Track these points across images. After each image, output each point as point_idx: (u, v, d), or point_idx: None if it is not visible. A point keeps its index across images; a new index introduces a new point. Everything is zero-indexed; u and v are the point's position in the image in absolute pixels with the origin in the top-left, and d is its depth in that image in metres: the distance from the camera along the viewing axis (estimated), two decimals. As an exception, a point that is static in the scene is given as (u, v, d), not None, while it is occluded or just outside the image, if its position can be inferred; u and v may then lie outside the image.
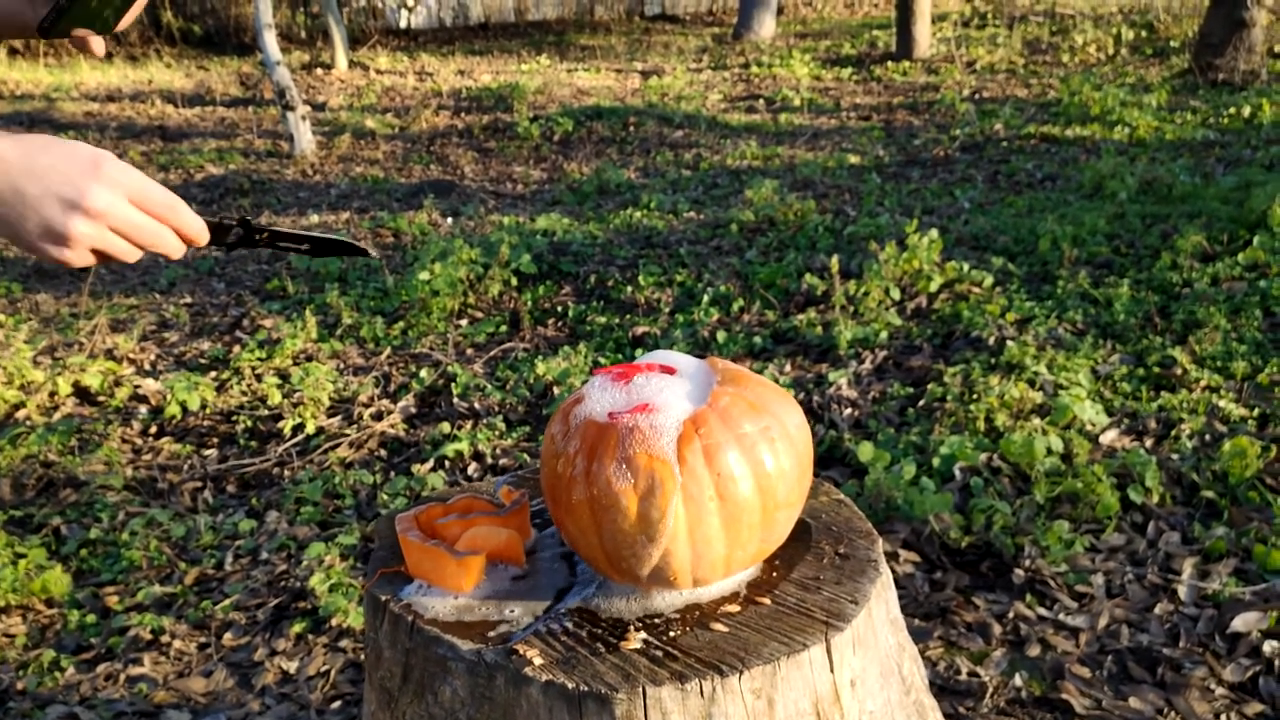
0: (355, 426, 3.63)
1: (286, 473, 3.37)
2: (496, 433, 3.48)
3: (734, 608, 1.14)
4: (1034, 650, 2.31)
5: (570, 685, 1.01)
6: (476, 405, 3.72)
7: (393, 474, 3.30)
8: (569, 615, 1.14)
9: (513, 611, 1.15)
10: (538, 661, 1.04)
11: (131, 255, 1.02)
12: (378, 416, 3.71)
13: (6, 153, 0.94)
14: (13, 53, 13.07)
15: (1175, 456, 2.95)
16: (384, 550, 1.29)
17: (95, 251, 1.01)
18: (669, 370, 1.21)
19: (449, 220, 6.33)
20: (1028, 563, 2.56)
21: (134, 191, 0.99)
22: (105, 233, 0.99)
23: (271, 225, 1.12)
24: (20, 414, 3.80)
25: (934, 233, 4.37)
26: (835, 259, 4.28)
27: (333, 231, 1.11)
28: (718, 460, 1.08)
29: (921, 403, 3.37)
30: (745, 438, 1.11)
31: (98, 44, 1.13)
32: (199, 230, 1.06)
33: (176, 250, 1.06)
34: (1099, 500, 2.73)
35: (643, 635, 1.09)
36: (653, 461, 1.08)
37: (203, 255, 5.97)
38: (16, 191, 0.94)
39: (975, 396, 3.27)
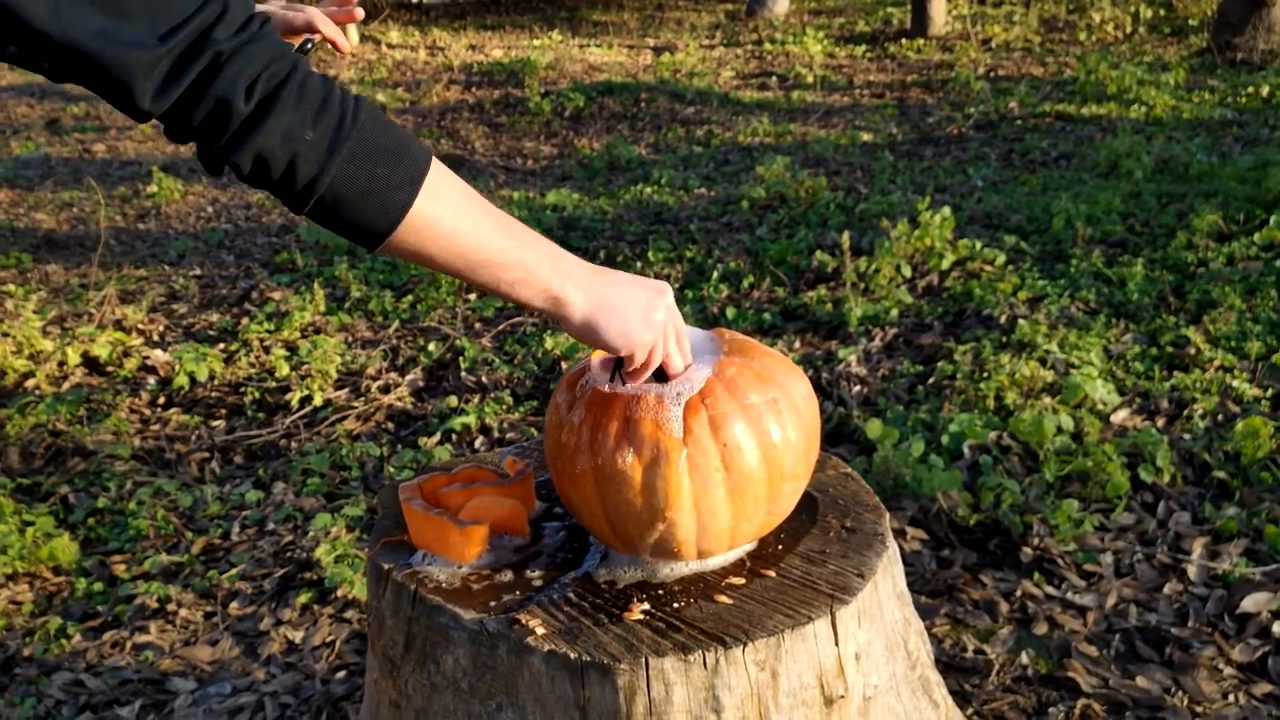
0: (363, 399, 3.62)
1: (294, 444, 3.37)
2: (504, 407, 3.47)
3: (739, 580, 1.13)
4: (1041, 628, 2.30)
5: (573, 655, 1.00)
6: (484, 379, 3.71)
7: (400, 447, 3.30)
8: (572, 586, 1.13)
9: (515, 581, 1.14)
10: (540, 631, 1.04)
11: (659, 356, 1.15)
12: (385, 389, 3.71)
13: (596, 277, 1.10)
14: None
15: (1187, 436, 2.93)
16: (387, 519, 1.28)
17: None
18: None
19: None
20: (1036, 541, 2.55)
21: (673, 317, 1.15)
22: (647, 349, 1.13)
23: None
24: (29, 383, 3.81)
25: (946, 210, 4.33)
26: (846, 236, 4.25)
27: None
28: (724, 431, 1.07)
29: (931, 380, 3.35)
30: (752, 408, 1.09)
31: None
32: (688, 359, 1.18)
33: (678, 366, 1.17)
34: (1109, 479, 2.71)
35: (646, 606, 1.08)
36: (658, 431, 1.06)
37: (213, 227, 5.97)
38: (615, 283, 1.11)
39: (986, 375, 3.25)
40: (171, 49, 0.85)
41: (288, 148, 0.90)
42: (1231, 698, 2.07)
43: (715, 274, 4.45)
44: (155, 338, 4.32)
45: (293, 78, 0.91)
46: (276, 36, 0.93)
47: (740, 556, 1.17)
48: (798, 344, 3.79)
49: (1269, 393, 3.12)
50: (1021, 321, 3.59)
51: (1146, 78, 7.90)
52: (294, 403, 3.57)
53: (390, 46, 12.24)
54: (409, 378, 3.78)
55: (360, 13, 1.31)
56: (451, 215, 0.99)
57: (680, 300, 4.26)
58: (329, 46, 1.30)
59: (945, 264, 4.24)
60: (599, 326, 1.09)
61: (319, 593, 2.59)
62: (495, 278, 1.03)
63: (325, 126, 0.92)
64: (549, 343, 3.81)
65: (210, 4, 0.87)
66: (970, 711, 2.07)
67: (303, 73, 0.92)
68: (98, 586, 2.68)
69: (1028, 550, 2.54)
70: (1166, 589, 2.40)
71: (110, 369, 3.98)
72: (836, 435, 3.15)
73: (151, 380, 3.90)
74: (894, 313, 3.89)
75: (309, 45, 1.23)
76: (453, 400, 3.51)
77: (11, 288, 4.79)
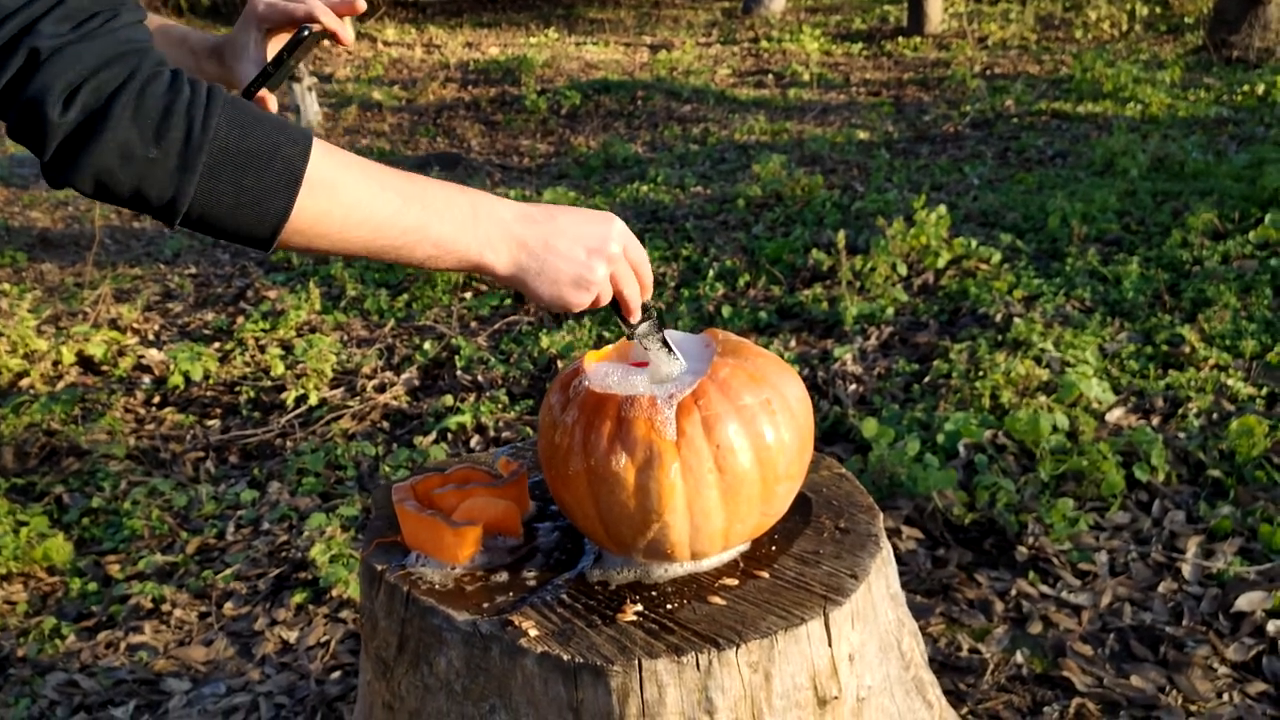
0: (358, 398, 3.62)
1: (289, 444, 3.37)
2: (499, 406, 3.47)
3: (732, 581, 1.13)
4: (1036, 628, 2.30)
5: (566, 657, 1.00)
6: (480, 378, 3.71)
7: (395, 446, 3.29)
8: (565, 587, 1.13)
9: (509, 582, 1.14)
10: (533, 633, 1.03)
11: (608, 297, 1.14)
12: (381, 388, 3.70)
13: (533, 213, 1.07)
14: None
15: (1182, 435, 2.93)
16: (381, 520, 1.28)
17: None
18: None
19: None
20: (1031, 540, 2.55)
21: (629, 244, 1.14)
22: (609, 279, 1.12)
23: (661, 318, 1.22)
24: (24, 383, 3.80)
25: (942, 209, 4.33)
26: (842, 234, 4.25)
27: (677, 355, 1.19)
28: (717, 432, 1.07)
29: (927, 379, 3.35)
30: (745, 409, 1.09)
31: (272, 101, 1.24)
32: (649, 284, 1.19)
33: (637, 303, 1.17)
34: (1104, 478, 2.71)
35: (639, 608, 1.08)
36: (651, 433, 1.06)
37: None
38: (548, 245, 1.07)
39: (981, 373, 3.25)
40: None
41: (130, 169, 0.82)
42: (1226, 697, 2.08)
43: (711, 272, 4.45)
44: (150, 337, 4.32)
45: (128, 86, 0.81)
46: (124, 36, 0.83)
47: (734, 558, 1.17)
48: (793, 342, 3.79)
49: (1264, 391, 3.13)
50: (1017, 320, 3.59)
51: (1142, 76, 7.90)
52: (289, 402, 3.57)
53: (386, 44, 12.23)
54: (404, 377, 3.77)
55: (363, 4, 1.30)
56: (341, 209, 0.93)
57: (676, 299, 4.26)
58: (329, 39, 1.28)
59: (941, 262, 4.24)
60: (528, 289, 1.08)
61: (314, 593, 2.59)
62: (402, 258, 1.00)
63: (171, 141, 0.82)
64: (544, 342, 3.81)
65: None
66: (965, 711, 2.07)
67: (142, 79, 0.82)
68: (92, 586, 2.68)
69: (1023, 549, 2.54)
70: (1161, 588, 2.40)
71: (105, 368, 3.97)
72: (832, 434, 3.14)
73: (146, 379, 3.89)
74: (889, 311, 3.89)
75: (305, 33, 1.22)
76: (448, 399, 3.51)
77: (6, 287, 4.78)
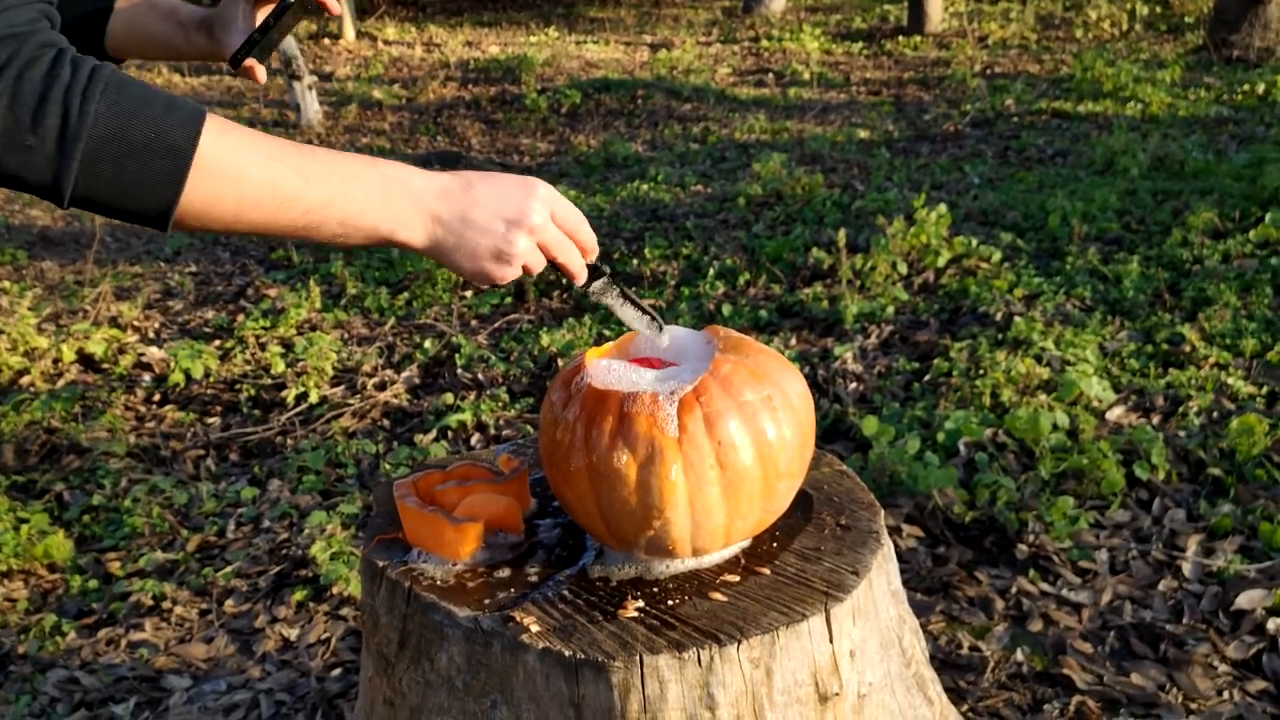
0: (359, 396, 3.62)
1: (289, 441, 3.37)
2: (500, 404, 3.47)
3: (733, 577, 1.13)
4: (1036, 625, 2.30)
5: (567, 653, 1.00)
6: (480, 376, 3.71)
7: (395, 444, 3.29)
8: (567, 583, 1.13)
9: (510, 579, 1.14)
10: (535, 629, 1.03)
11: (539, 267, 1.11)
12: (381, 386, 3.70)
13: (449, 185, 1.04)
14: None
15: (1182, 433, 2.93)
16: (382, 517, 1.28)
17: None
18: (653, 364, 1.20)
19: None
20: (1031, 538, 2.55)
21: (557, 209, 1.09)
22: (535, 249, 1.09)
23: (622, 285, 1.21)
24: (24, 380, 3.80)
25: (942, 208, 4.33)
26: (843, 233, 4.25)
27: (656, 316, 1.16)
28: (718, 428, 1.07)
29: (927, 378, 3.35)
30: (747, 406, 1.09)
31: (261, 72, 1.24)
32: (591, 245, 1.15)
33: (579, 268, 1.14)
34: (1104, 476, 2.71)
35: (640, 604, 1.08)
36: (653, 429, 1.06)
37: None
38: (465, 219, 1.04)
39: (981, 372, 3.25)
40: None
41: (10, 156, 0.81)
42: (1226, 694, 2.08)
43: (711, 271, 4.45)
44: (150, 335, 4.32)
45: (4, 73, 0.80)
46: (2, 21, 0.82)
47: (735, 554, 1.17)
48: (794, 341, 3.79)
49: (1264, 390, 3.13)
50: (1017, 319, 3.59)
51: (1142, 75, 7.90)
52: (290, 400, 3.57)
53: (387, 43, 12.22)
54: (405, 375, 3.77)
55: None
56: (236, 190, 0.91)
57: (677, 297, 4.26)
58: (317, 8, 1.25)
59: (941, 261, 4.24)
60: (448, 263, 1.06)
61: (314, 590, 2.59)
62: (311, 235, 0.98)
63: (48, 129, 0.81)
64: (545, 340, 3.81)
65: None
66: (965, 708, 2.07)
67: (20, 64, 0.80)
68: (93, 584, 2.68)
69: (1023, 547, 2.54)
70: (1161, 586, 2.40)
71: (105, 366, 3.97)
72: (832, 432, 3.15)
73: (147, 377, 3.89)
74: (890, 310, 3.89)
75: (289, 1, 1.20)
76: (449, 397, 3.51)
77: (6, 284, 4.78)
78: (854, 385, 3.39)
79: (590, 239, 1.14)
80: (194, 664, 2.39)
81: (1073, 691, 2.11)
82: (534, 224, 1.07)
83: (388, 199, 1.01)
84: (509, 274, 1.09)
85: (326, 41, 12.33)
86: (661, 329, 1.21)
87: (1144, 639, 2.25)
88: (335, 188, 0.97)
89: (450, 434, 3.32)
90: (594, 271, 1.17)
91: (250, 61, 1.22)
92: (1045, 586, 2.43)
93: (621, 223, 5.33)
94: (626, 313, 1.19)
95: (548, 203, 1.08)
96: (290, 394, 3.58)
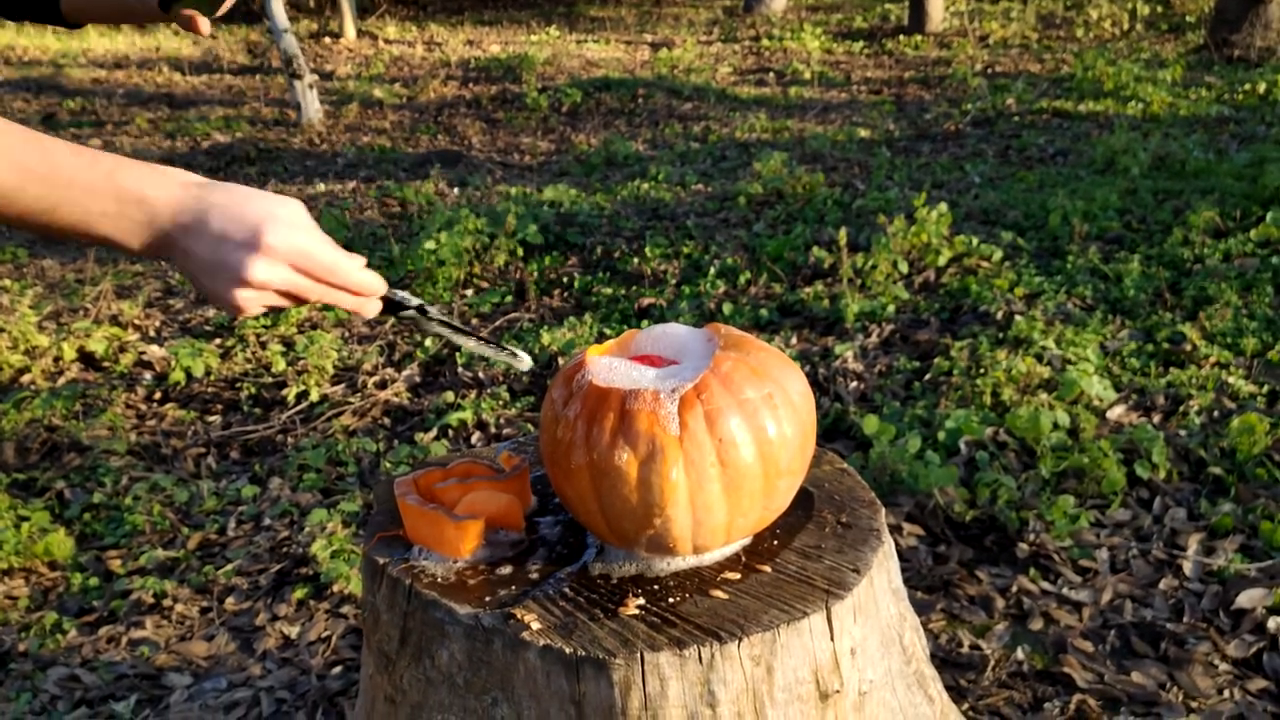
0: (359, 395, 3.62)
1: (290, 440, 3.37)
2: (500, 402, 3.47)
3: (734, 575, 1.13)
4: (1036, 624, 2.30)
5: (568, 650, 1.00)
6: (480, 375, 3.71)
7: (396, 442, 3.30)
8: (567, 581, 1.13)
9: (511, 576, 1.14)
10: (535, 626, 1.03)
11: (287, 305, 1.04)
12: (382, 385, 3.71)
13: (185, 213, 0.97)
14: (20, 18, 13.00)
15: (1183, 432, 2.93)
16: (383, 515, 1.28)
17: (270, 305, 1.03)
18: (654, 361, 1.19)
19: (455, 190, 6.30)
20: (1032, 537, 2.55)
21: (295, 258, 1.00)
22: (270, 296, 1.02)
23: (441, 315, 1.17)
24: (25, 379, 3.81)
25: (943, 206, 4.33)
26: (843, 232, 4.25)
27: (494, 341, 1.16)
28: (719, 426, 1.07)
29: (928, 376, 3.35)
30: (747, 403, 1.09)
31: (205, 24, 1.18)
32: (371, 286, 1.07)
33: (353, 305, 1.07)
34: (1105, 475, 2.71)
35: (641, 601, 1.08)
36: (654, 426, 1.06)
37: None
38: (186, 254, 0.98)
39: (982, 371, 3.25)
40: None
41: None
42: (1226, 693, 2.08)
43: (712, 270, 4.45)
44: (151, 333, 4.32)
45: None
46: None
47: (736, 552, 1.17)
48: (794, 340, 3.79)
49: (1265, 389, 3.13)
50: (1018, 318, 3.59)
51: (1143, 74, 7.90)
52: (290, 398, 3.57)
53: (387, 42, 12.22)
54: (405, 373, 3.77)
55: None
56: None
57: (678, 296, 4.26)
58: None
59: (942, 260, 4.24)
60: (189, 280, 1.00)
61: (315, 588, 2.59)
62: (31, 232, 0.96)
63: None
64: (546, 338, 3.81)
65: None
66: (966, 707, 2.07)
67: None
68: (93, 582, 2.68)
69: (1024, 546, 2.54)
70: (1162, 585, 2.40)
71: (106, 364, 3.97)
72: (833, 431, 3.15)
73: (147, 375, 3.90)
74: (890, 309, 3.89)
75: None
76: (449, 396, 3.51)
77: (7, 283, 4.78)
78: (855, 384, 3.39)
79: (357, 280, 1.06)
80: (195, 661, 2.39)
81: (1073, 690, 2.11)
82: (258, 280, 0.99)
83: (121, 214, 0.96)
84: (247, 308, 1.02)
85: (327, 40, 12.33)
86: (515, 354, 1.18)
87: (1144, 638, 2.25)
88: (55, 193, 0.92)
89: (451, 432, 3.32)
90: (392, 305, 1.12)
91: (191, 11, 1.16)
92: (1046, 585, 2.43)
93: (622, 222, 5.33)
94: (468, 344, 1.16)
95: (276, 255, 0.99)
96: (291, 392, 3.58)
